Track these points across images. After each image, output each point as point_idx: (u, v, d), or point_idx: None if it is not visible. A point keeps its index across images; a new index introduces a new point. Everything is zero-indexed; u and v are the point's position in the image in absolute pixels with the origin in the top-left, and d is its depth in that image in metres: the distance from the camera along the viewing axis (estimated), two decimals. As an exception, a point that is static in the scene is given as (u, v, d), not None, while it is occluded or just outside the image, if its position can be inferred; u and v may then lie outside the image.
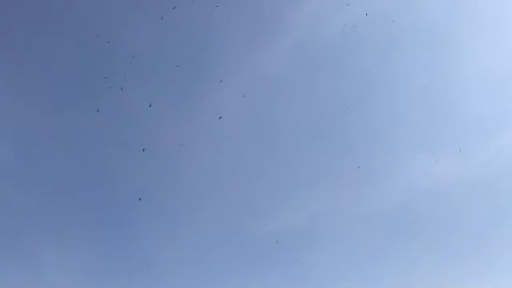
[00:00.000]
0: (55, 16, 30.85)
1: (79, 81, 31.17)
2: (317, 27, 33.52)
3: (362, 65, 34.49)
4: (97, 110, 28.24)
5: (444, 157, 32.42)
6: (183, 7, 30.63)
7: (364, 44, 34.05)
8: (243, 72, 33.41)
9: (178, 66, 30.03)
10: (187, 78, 32.19)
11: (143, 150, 28.48)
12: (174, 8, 29.41)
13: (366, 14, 31.81)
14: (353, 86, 34.29)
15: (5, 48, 30.27)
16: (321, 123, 33.75)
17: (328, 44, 33.98)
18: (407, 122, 34.16)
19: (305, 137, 33.56)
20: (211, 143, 32.63)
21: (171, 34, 32.29)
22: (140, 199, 29.30)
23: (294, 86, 33.80)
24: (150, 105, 27.90)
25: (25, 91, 31.09)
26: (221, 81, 31.11)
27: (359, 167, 31.50)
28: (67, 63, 31.62)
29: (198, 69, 32.35)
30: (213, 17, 31.85)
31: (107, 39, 29.99)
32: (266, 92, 33.42)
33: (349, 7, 32.01)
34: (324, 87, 33.99)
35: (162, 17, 30.06)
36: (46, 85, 31.74)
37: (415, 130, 33.86)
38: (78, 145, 31.50)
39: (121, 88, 28.27)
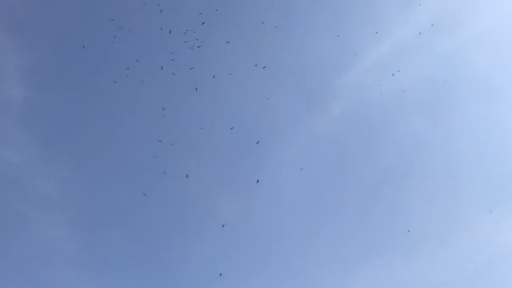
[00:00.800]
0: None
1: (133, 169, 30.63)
2: (365, 93, 33.48)
3: (415, 128, 33.82)
4: (144, 194, 28.50)
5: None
6: (237, 76, 30.70)
7: (415, 107, 33.94)
8: (294, 142, 33.09)
9: (231, 129, 30.41)
10: (239, 151, 32.12)
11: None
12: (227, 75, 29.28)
13: (414, 79, 32.74)
14: (407, 150, 33.69)
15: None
16: (377, 191, 32.84)
17: (378, 110, 33.76)
18: (467, 180, 33.10)
19: (362, 206, 32.60)
20: (268, 218, 31.92)
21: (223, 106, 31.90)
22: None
23: (347, 154, 33.43)
24: (187, 176, 28.00)
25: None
26: (273, 152, 31.70)
27: (411, 231, 30.75)
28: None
29: (250, 141, 32.01)
30: (263, 88, 31.84)
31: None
32: (319, 162, 32.89)
33: (397, 72, 32.20)
34: (377, 154, 33.55)
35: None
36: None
37: (477, 188, 32.87)
38: (135, 228, 30.71)
39: (187, 175, 28.26)
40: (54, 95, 29.71)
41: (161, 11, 28.92)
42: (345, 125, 33.55)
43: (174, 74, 29.06)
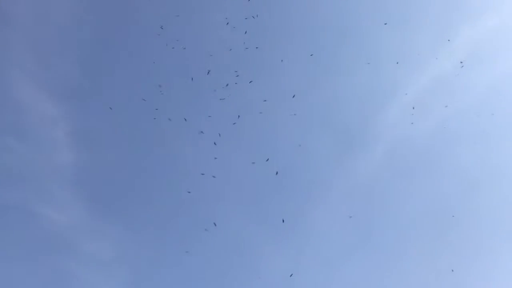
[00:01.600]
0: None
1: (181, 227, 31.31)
2: (406, 131, 33.06)
3: (460, 164, 33.10)
4: (187, 252, 29.09)
5: None
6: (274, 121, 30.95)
7: (459, 141, 33.27)
8: (338, 187, 32.74)
9: (276, 174, 29.75)
10: (283, 200, 31.82)
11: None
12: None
13: (457, 112, 32.21)
14: (453, 187, 32.91)
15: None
16: (427, 232, 32.35)
17: (421, 146, 33.20)
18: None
19: (418, 249, 32.19)
20: (321, 269, 31.53)
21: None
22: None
23: (394, 195, 32.84)
24: (215, 224, 28.12)
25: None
26: (316, 200, 31.34)
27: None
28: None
29: (292, 189, 31.91)
30: (300, 132, 32.23)
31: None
32: (366, 207, 32.44)
33: (438, 107, 32.05)
34: (425, 193, 32.88)
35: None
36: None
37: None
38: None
39: (215, 223, 28.50)
40: (104, 157, 30.53)
41: (208, 72, 29.76)
42: (389, 165, 33.05)
43: (218, 136, 29.68)
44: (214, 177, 28.80)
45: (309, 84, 33.27)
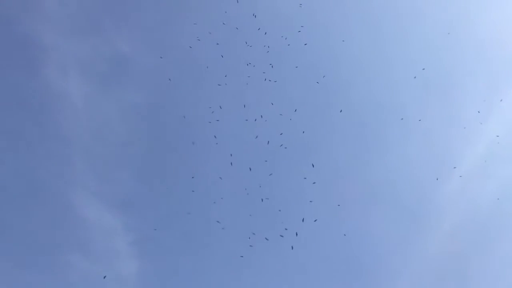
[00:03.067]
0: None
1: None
2: (470, 201, 32.77)
3: None
4: None
5: None
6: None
7: None
8: (409, 268, 32.16)
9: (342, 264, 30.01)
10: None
11: None
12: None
13: None
14: None
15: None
16: None
17: (486, 218, 32.67)
18: None
19: None
20: None
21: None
22: None
23: (468, 269, 32.21)
24: None
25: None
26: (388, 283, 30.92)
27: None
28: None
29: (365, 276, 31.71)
30: (367, 216, 32.11)
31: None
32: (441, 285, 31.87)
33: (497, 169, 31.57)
34: (501, 262, 32.25)
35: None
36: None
37: None
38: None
39: None
40: (166, 264, 30.69)
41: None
42: (457, 239, 32.45)
43: (280, 211, 29.78)
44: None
45: (357, 162, 33.45)
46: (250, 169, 29.83)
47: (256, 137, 30.53)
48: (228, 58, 32.06)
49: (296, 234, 27.90)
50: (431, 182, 32.62)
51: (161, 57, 31.15)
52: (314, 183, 30.43)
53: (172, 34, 32.83)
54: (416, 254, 32.07)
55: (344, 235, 30.84)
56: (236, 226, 30.59)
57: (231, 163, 29.43)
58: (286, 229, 28.68)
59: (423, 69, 32.80)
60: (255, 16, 30.79)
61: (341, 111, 30.72)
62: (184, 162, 31.38)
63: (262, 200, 29.82)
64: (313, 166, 30.42)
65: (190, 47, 31.90)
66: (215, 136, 30.24)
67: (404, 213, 32.74)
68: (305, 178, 30.57)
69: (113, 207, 30.63)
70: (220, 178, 30.21)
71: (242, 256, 29.50)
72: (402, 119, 33.05)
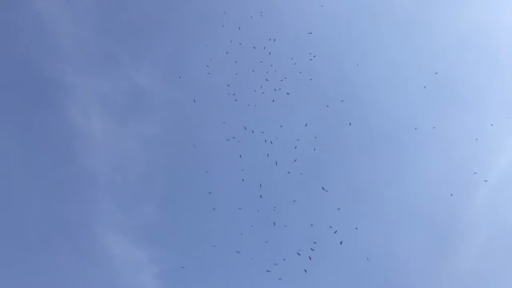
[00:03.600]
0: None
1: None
2: (501, 216, 31.64)
3: None
4: None
5: None
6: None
7: None
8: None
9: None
10: None
11: None
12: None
13: None
14: None
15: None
16: None
17: None
18: None
19: None
20: None
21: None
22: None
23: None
24: None
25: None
26: None
27: None
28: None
29: None
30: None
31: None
32: None
33: None
34: None
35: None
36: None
37: None
38: None
39: None
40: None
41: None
42: (490, 255, 31.14)
43: (311, 254, 29.33)
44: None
45: (379, 183, 32.78)
46: (260, 196, 29.67)
47: (276, 163, 30.33)
48: (243, 79, 32.16)
49: (310, 258, 27.47)
50: (457, 195, 31.67)
51: (177, 88, 31.39)
52: (338, 208, 30.09)
53: (188, 62, 33.27)
54: (447, 274, 30.94)
55: (367, 259, 30.06)
56: (262, 255, 30.22)
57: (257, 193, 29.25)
58: (310, 258, 28.13)
59: (436, 73, 32.17)
60: (274, 40, 30.94)
61: (350, 124, 30.27)
62: (205, 191, 31.37)
63: (285, 226, 29.48)
64: (324, 189, 29.96)
65: (208, 73, 32.17)
66: (243, 171, 30.18)
67: (430, 230, 31.72)
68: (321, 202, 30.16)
69: (137, 240, 30.79)
70: (240, 208, 30.09)
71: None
72: (415, 128, 32.43)
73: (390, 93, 33.59)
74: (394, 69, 33.86)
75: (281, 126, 30.31)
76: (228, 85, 30.45)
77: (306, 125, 30.05)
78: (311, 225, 30.02)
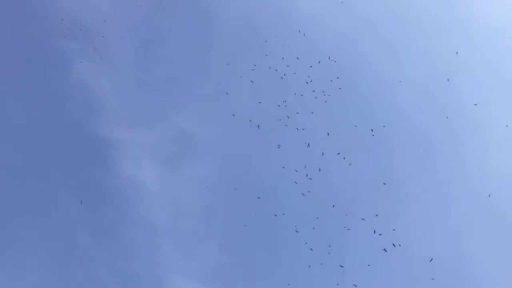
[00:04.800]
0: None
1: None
2: None
3: None
4: None
5: None
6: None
7: None
8: None
9: None
10: None
11: None
12: None
13: None
14: None
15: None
16: None
17: None
18: None
19: None
20: None
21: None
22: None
23: None
24: None
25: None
26: None
27: None
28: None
29: None
30: None
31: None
32: None
33: None
34: None
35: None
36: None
37: None
38: None
39: None
40: None
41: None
42: None
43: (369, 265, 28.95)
44: None
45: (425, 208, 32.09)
46: (313, 228, 29.56)
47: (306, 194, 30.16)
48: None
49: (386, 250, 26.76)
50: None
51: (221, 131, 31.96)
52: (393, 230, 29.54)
53: (230, 102, 33.98)
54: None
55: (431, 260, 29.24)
56: None
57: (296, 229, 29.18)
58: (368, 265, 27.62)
59: None
60: (311, 67, 31.26)
61: (372, 132, 29.88)
62: (262, 228, 31.51)
63: (341, 266, 29.21)
64: (377, 215, 29.52)
65: (254, 121, 32.61)
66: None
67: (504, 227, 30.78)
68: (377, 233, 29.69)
69: (201, 282, 31.07)
70: (307, 244, 29.99)
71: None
72: (506, 126, 31.72)
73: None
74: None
75: (344, 158, 30.24)
76: (280, 120, 30.72)
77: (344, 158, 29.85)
78: (380, 234, 29.45)
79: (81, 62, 33.53)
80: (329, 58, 31.41)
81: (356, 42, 34.52)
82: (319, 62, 31.74)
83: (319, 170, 30.54)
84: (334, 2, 34.44)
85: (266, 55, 33.46)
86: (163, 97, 33.92)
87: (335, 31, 34.58)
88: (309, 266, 29.82)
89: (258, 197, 31.34)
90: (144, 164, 32.80)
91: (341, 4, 33.12)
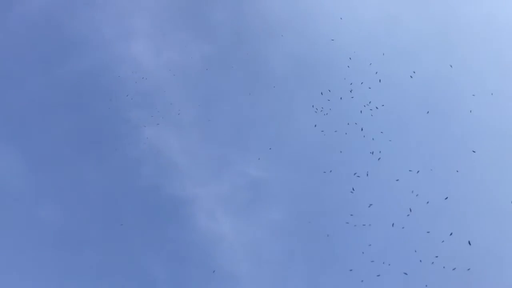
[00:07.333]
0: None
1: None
2: None
3: None
4: None
5: None
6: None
7: None
8: None
9: None
10: None
11: None
12: None
13: None
14: None
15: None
16: None
17: None
18: None
19: None
20: None
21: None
22: None
23: None
24: None
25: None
26: None
27: None
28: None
29: None
30: None
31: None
32: None
33: None
34: None
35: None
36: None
37: None
38: None
39: None
40: None
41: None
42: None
43: None
44: None
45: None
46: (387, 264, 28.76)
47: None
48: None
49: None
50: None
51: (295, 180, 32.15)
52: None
53: (297, 144, 34.50)
54: None
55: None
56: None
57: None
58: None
59: None
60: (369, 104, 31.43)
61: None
62: (345, 268, 30.93)
63: None
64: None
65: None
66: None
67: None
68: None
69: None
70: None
71: None
72: None
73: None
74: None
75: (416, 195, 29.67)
76: (355, 174, 30.82)
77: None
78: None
79: (145, 127, 35.38)
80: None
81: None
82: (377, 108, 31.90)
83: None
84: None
85: (322, 93, 33.84)
86: (229, 148, 34.97)
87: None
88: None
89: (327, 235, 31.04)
90: (218, 215, 33.54)
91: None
